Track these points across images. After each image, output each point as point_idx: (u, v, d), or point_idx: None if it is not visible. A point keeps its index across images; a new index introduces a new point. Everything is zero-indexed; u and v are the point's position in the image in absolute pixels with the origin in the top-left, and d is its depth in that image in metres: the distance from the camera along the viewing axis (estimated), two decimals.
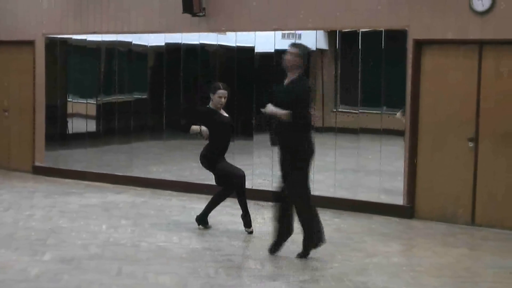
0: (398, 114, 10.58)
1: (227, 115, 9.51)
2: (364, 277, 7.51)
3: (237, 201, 9.40)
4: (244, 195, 9.36)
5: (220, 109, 9.48)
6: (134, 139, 13.19)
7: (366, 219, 10.44)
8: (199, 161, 9.62)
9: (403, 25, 10.47)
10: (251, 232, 9.23)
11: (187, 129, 9.42)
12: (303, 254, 8.19)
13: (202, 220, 9.61)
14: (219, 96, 9.39)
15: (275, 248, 8.32)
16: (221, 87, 9.43)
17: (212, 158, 9.45)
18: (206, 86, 11.85)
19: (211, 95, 9.45)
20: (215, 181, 9.62)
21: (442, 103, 10.33)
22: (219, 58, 12.22)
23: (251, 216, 9.42)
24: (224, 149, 9.52)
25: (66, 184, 13.20)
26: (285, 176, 8.18)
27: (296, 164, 8.07)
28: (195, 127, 9.33)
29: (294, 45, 8.38)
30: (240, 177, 9.37)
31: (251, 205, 9.81)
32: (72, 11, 13.57)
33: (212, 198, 9.58)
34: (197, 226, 9.62)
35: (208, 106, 9.52)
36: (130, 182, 12.94)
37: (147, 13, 12.74)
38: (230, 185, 9.39)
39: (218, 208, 9.70)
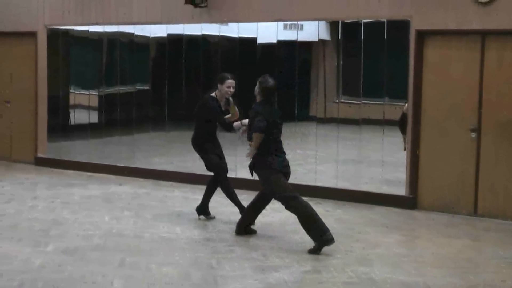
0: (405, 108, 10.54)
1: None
2: (366, 267, 7.52)
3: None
4: (225, 190, 9.49)
5: (223, 100, 9.48)
6: (136, 130, 13.20)
7: (368, 210, 10.45)
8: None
9: (406, 16, 10.45)
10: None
11: (230, 127, 9.44)
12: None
13: (203, 210, 9.64)
14: (228, 86, 9.41)
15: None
16: (229, 77, 9.45)
17: (200, 143, 9.55)
18: (208, 77, 11.90)
19: (219, 85, 9.45)
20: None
21: (444, 94, 10.32)
22: (221, 49, 12.21)
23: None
24: (212, 134, 9.57)
25: (69, 175, 13.21)
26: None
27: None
28: (237, 123, 9.36)
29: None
30: (222, 172, 9.50)
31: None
32: (74, 2, 13.56)
33: (206, 188, 9.64)
34: (198, 217, 9.65)
35: (211, 95, 9.52)
36: (132, 173, 12.95)
37: (149, 4, 12.73)
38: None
39: (219, 199, 9.71)
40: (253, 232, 8.87)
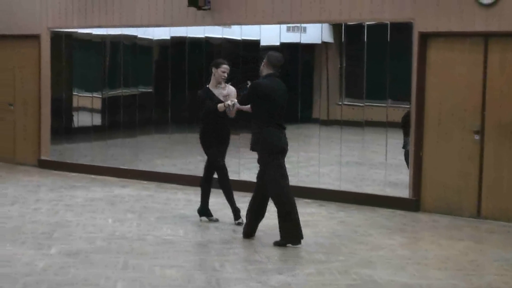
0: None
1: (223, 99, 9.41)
2: (369, 270, 7.52)
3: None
4: (224, 188, 9.48)
5: (221, 84, 9.46)
6: (139, 132, 13.21)
7: (371, 212, 10.45)
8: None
9: (409, 18, 10.46)
10: (238, 224, 9.32)
11: (215, 107, 9.36)
12: (279, 243, 8.45)
13: (203, 211, 9.66)
14: (223, 71, 9.43)
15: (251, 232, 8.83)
16: (225, 63, 9.50)
17: (203, 139, 9.56)
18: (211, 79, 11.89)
19: (214, 70, 9.48)
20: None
21: (447, 96, 10.31)
22: (224, 52, 12.21)
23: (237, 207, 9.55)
24: (217, 131, 9.50)
25: (72, 177, 13.23)
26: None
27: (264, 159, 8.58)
28: (220, 105, 9.30)
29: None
30: (216, 168, 9.52)
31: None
32: (77, 5, 13.58)
33: (201, 188, 9.71)
34: (199, 218, 9.65)
35: (206, 87, 9.55)
36: (135, 175, 12.96)
37: (152, 7, 12.75)
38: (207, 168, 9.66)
39: (223, 201, 9.69)
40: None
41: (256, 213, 8.72)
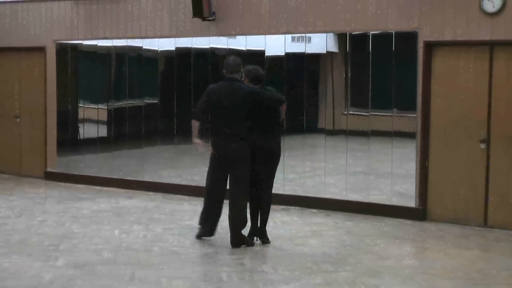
0: None
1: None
2: (377, 280, 7.50)
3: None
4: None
5: None
6: (145, 143, 13.22)
7: (378, 222, 10.42)
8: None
9: (413, 27, 10.46)
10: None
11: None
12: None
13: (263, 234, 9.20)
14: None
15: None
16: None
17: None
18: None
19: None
20: None
21: (453, 105, 10.31)
22: None
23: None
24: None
25: (78, 189, 13.23)
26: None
27: None
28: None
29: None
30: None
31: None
32: (82, 17, 13.62)
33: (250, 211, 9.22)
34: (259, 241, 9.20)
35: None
36: (141, 186, 12.96)
37: (157, 18, 12.77)
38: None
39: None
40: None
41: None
